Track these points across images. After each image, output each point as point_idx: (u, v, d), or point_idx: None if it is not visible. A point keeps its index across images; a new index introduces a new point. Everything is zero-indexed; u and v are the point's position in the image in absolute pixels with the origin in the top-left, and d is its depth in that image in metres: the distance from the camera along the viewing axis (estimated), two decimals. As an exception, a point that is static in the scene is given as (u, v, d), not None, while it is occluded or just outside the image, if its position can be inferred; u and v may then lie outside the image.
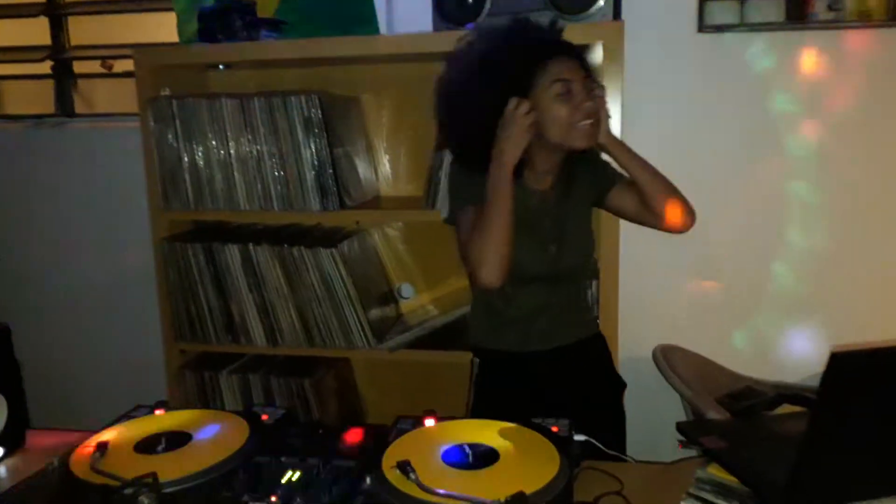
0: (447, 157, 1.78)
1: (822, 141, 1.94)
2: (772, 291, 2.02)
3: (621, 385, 1.56)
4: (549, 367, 1.45)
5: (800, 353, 1.99)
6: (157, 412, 1.20)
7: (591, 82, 1.35)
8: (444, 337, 1.92)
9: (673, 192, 1.41)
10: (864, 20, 1.79)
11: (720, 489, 0.89)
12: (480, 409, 1.49)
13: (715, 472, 0.91)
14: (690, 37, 1.91)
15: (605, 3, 1.67)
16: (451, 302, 2.04)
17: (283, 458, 1.04)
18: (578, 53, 1.37)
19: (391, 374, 2.18)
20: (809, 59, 1.88)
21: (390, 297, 2.11)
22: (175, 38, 2.04)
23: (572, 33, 1.68)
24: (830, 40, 1.86)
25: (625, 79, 1.69)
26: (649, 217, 1.43)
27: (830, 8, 1.78)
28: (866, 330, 1.95)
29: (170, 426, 1.14)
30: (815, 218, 1.98)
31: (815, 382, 1.99)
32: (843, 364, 0.74)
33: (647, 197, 1.39)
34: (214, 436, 1.11)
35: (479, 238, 1.32)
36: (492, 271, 1.31)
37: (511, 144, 1.30)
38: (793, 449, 0.83)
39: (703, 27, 1.89)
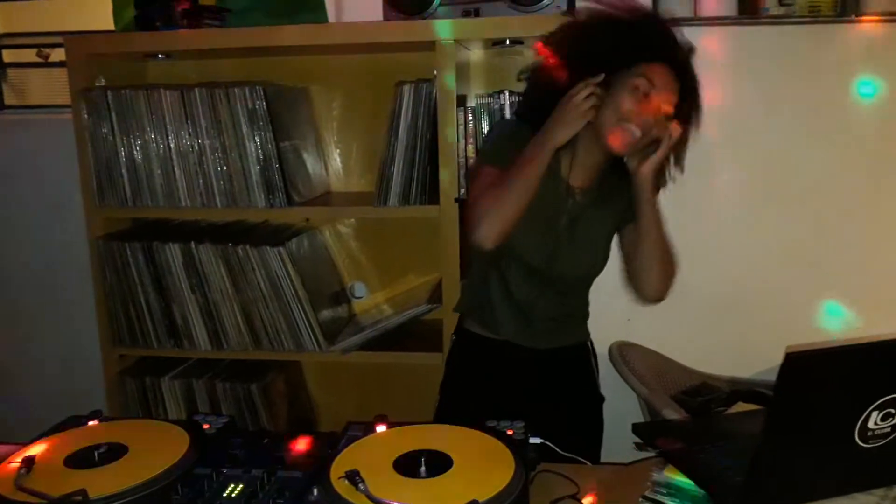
0: (399, 152, 1.74)
1: (775, 135, 1.95)
2: (726, 287, 2.03)
3: (599, 398, 1.53)
4: (528, 363, 1.42)
5: (753, 348, 2.01)
6: (91, 423, 1.14)
7: (672, 109, 1.25)
8: (398, 337, 1.87)
9: (665, 270, 1.32)
10: (813, 15, 1.81)
11: (676, 492, 0.87)
12: (451, 389, 1.48)
13: (671, 474, 0.89)
14: (644, 31, 1.91)
15: (559, -3, 1.64)
16: (406, 301, 2.00)
17: (225, 470, 0.98)
18: (687, 79, 1.28)
19: (344, 376, 2.13)
20: (761, 53, 1.89)
21: (342, 296, 2.05)
22: (111, 25, 1.94)
23: (525, 24, 1.66)
24: (782, 35, 1.87)
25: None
26: (626, 270, 1.37)
27: (781, 3, 1.79)
28: (818, 325, 1.98)
29: (104, 438, 1.07)
30: (769, 214, 1.99)
31: (769, 377, 2.01)
32: (797, 364, 0.73)
33: (639, 254, 1.32)
34: (152, 447, 1.05)
35: (490, 197, 1.24)
36: (489, 231, 1.23)
37: (562, 126, 1.22)
38: (748, 449, 0.82)
39: (656, 21, 1.88)
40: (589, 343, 1.52)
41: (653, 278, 1.31)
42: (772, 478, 0.81)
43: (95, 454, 1.02)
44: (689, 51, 1.30)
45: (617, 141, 1.24)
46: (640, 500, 0.89)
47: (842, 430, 0.79)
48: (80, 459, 1.01)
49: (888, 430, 0.80)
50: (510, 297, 1.39)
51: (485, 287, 1.41)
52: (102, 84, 1.83)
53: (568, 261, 1.36)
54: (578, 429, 1.38)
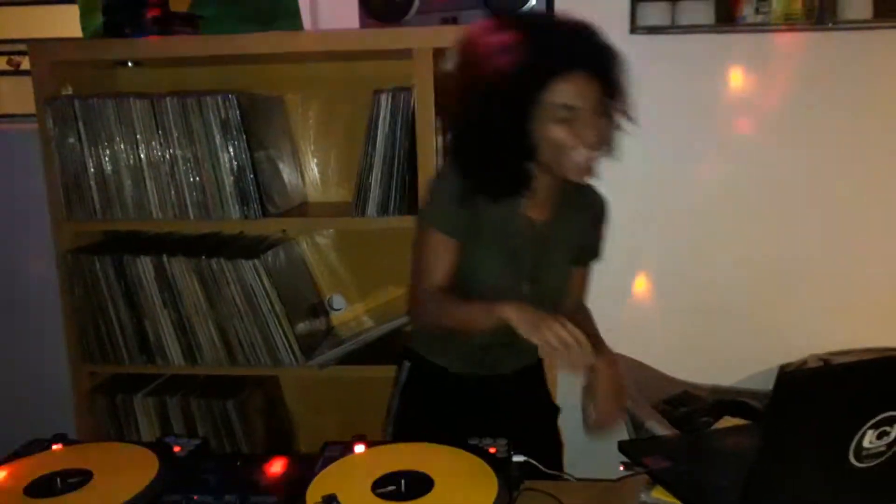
0: (377, 161, 1.70)
1: (752, 142, 1.96)
2: (708, 294, 2.03)
3: (555, 410, 1.50)
4: (488, 388, 1.37)
5: (734, 356, 2.00)
6: (55, 447, 1.09)
7: (606, 104, 1.18)
8: (378, 350, 1.83)
9: None
10: (789, 23, 1.81)
11: (667, 513, 0.85)
12: (406, 421, 1.41)
13: (660, 495, 0.86)
14: (623, 38, 1.89)
15: (536, 2, 1.63)
16: (387, 313, 1.96)
17: (195, 497, 0.94)
18: (602, 66, 1.18)
19: (323, 391, 2.08)
20: (739, 60, 1.90)
21: (320, 309, 2.01)
22: (79, 32, 1.89)
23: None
24: (758, 43, 1.88)
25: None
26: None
27: (758, 11, 1.79)
28: (796, 331, 1.98)
29: (68, 463, 1.03)
30: (745, 219, 1.99)
31: (751, 384, 2.00)
32: (790, 383, 0.71)
33: None
34: (118, 473, 1.01)
35: (434, 314, 1.26)
36: (426, 326, 1.30)
37: (514, 317, 1.11)
38: (740, 468, 0.80)
39: (635, 28, 1.88)
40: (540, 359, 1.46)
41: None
42: (766, 498, 0.79)
43: (58, 481, 0.98)
44: (589, 33, 1.19)
45: (572, 174, 1.19)
46: (629, 520, 0.87)
47: (836, 450, 0.78)
48: (42, 487, 0.97)
49: (884, 448, 0.79)
50: (476, 338, 1.31)
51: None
52: (69, 93, 1.78)
53: (541, 298, 1.30)
54: (537, 445, 1.34)
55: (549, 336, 1.03)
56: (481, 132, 1.19)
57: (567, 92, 1.14)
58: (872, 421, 0.76)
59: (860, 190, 1.94)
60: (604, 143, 1.20)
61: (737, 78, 1.91)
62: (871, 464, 0.79)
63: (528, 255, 1.29)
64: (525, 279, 1.30)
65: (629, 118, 1.22)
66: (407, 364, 1.42)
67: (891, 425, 0.77)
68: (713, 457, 0.90)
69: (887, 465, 0.79)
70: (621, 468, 0.94)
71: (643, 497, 0.87)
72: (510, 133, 1.17)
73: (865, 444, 0.78)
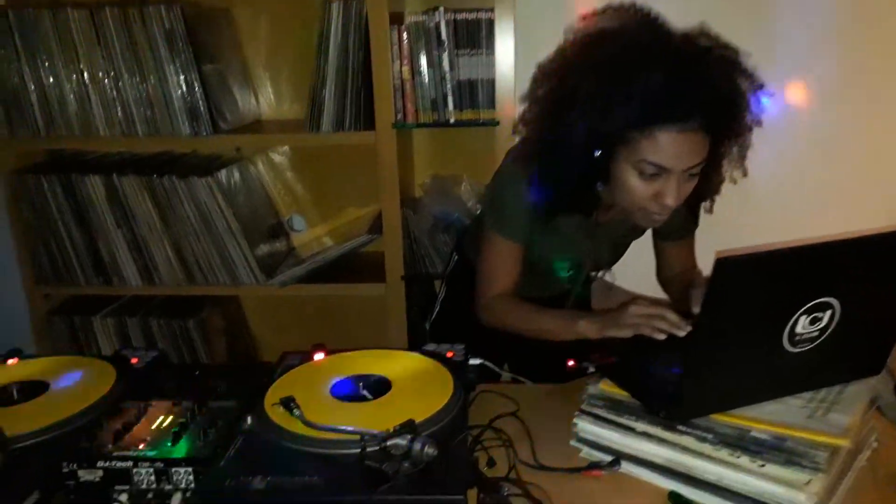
0: (330, 75, 1.66)
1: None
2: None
3: None
4: None
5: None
6: (10, 362, 1.09)
7: (698, 170, 1.04)
8: (339, 269, 1.84)
9: None
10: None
11: (611, 404, 0.88)
12: (449, 305, 1.50)
13: (606, 387, 0.90)
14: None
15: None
16: (348, 232, 1.96)
17: (153, 402, 0.95)
18: (720, 124, 1.03)
19: (286, 310, 2.09)
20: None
21: (280, 229, 2.00)
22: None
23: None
24: None
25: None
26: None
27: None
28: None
29: (23, 376, 1.03)
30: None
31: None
32: (728, 268, 0.72)
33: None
34: (76, 384, 1.01)
35: (504, 320, 1.22)
36: (492, 325, 1.24)
37: (595, 332, 1.07)
38: (681, 359, 0.83)
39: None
40: None
41: None
42: (704, 384, 0.82)
43: (14, 392, 0.99)
44: (721, 71, 1.02)
45: (643, 222, 1.13)
46: (577, 413, 0.90)
47: (771, 335, 0.80)
48: (-3, 398, 0.97)
49: (816, 333, 0.81)
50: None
51: None
52: (2, 3, 1.68)
53: (594, 263, 1.35)
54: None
55: (634, 323, 1.01)
56: (560, 146, 1.06)
57: (662, 150, 1.00)
58: (806, 306, 0.78)
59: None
60: (687, 200, 1.07)
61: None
62: (804, 348, 0.82)
63: (589, 247, 1.28)
64: (585, 264, 1.32)
65: (735, 174, 1.10)
66: (455, 257, 1.51)
67: (823, 311, 0.80)
68: (658, 350, 0.93)
69: (819, 349, 0.82)
70: (570, 363, 0.97)
71: (590, 390, 0.90)
72: (587, 160, 1.05)
73: (798, 329, 0.80)
